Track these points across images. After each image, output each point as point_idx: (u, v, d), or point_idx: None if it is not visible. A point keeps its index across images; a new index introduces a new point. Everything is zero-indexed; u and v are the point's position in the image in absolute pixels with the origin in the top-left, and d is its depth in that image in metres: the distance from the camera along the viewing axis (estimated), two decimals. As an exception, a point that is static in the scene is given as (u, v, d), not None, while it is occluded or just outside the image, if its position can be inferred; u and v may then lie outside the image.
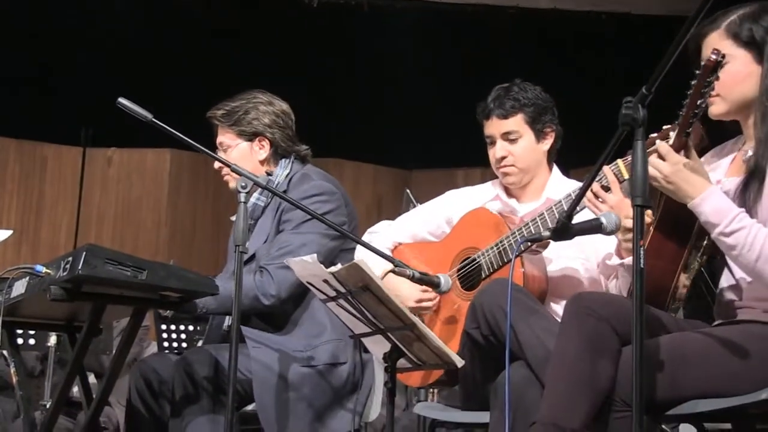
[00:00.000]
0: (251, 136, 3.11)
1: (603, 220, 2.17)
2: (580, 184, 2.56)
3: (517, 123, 2.83)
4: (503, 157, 2.85)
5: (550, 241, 2.39)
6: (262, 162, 3.12)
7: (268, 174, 3.07)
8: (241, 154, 3.10)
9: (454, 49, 7.34)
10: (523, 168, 2.85)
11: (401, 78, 7.28)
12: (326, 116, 6.97)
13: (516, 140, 2.83)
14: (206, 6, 7.31)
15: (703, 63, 2.03)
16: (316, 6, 7.30)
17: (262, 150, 3.12)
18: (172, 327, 4.91)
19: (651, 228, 2.23)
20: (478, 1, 7.40)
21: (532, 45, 7.31)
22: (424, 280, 2.61)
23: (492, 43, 7.27)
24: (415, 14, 7.39)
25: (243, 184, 2.66)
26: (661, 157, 2.10)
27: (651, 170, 2.08)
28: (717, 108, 2.24)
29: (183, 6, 7.25)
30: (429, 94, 7.28)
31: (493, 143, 2.87)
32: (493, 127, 2.85)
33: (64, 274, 2.49)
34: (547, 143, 2.86)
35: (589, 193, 2.34)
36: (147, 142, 7.14)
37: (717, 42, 2.22)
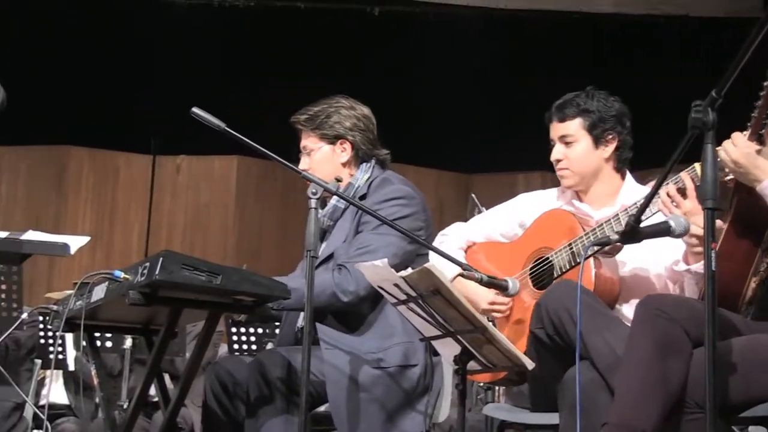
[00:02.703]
0: (333, 139, 3.14)
1: (672, 223, 2.17)
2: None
3: (573, 127, 2.84)
4: (559, 160, 2.87)
5: (621, 245, 2.41)
6: (344, 164, 3.15)
7: (338, 180, 3.11)
8: (323, 157, 3.14)
9: (515, 54, 7.33)
10: (577, 171, 2.85)
11: (462, 83, 7.30)
12: (388, 121, 7.00)
13: (572, 144, 2.84)
14: (268, 17, 7.43)
15: None
16: (377, 15, 7.38)
17: (344, 153, 3.15)
18: (242, 330, 5.00)
19: (722, 231, 2.22)
20: (539, 6, 7.40)
21: (591, 49, 7.28)
22: (493, 284, 2.64)
23: (552, 48, 7.26)
24: (476, 20, 7.41)
25: (313, 190, 2.70)
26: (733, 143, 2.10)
27: (721, 154, 2.08)
28: None
29: (248, 17, 7.39)
30: (489, 99, 7.29)
31: (554, 145, 2.90)
32: (553, 129, 2.89)
33: (142, 279, 2.55)
34: (607, 150, 2.83)
35: (664, 195, 2.34)
36: (214, 150, 7.28)
37: None
